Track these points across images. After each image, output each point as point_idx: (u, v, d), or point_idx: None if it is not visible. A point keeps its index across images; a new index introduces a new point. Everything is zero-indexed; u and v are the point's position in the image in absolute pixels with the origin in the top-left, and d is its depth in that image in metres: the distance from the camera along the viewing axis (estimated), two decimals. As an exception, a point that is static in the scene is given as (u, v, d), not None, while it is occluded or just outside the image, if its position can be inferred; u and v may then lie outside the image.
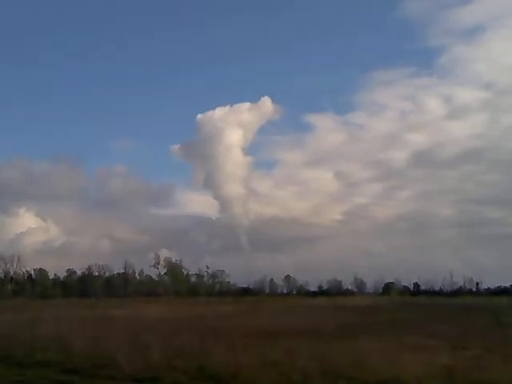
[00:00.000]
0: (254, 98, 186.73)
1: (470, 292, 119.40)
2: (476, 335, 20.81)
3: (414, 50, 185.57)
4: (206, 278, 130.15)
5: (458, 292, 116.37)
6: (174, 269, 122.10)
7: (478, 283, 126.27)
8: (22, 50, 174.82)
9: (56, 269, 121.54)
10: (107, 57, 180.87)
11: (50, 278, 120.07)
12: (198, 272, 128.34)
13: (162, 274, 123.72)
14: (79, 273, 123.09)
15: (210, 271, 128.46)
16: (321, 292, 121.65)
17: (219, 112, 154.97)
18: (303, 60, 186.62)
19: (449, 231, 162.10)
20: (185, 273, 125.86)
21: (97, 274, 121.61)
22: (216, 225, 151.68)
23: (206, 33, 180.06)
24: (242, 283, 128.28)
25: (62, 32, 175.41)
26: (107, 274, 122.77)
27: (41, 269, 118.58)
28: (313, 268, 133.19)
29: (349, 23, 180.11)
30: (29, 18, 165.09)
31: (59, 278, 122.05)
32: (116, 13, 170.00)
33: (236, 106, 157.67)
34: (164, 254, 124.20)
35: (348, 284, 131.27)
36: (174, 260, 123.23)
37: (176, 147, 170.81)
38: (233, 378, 13.23)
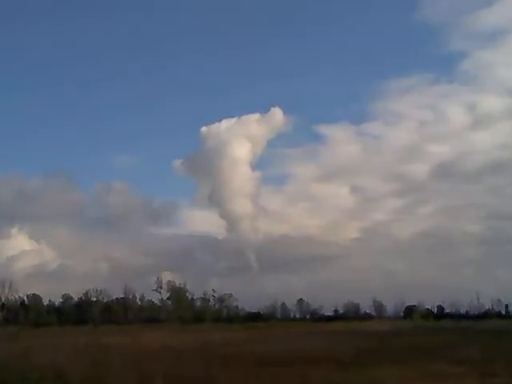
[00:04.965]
0: (264, 109, 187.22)
1: (499, 315, 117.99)
2: (505, 361, 20.66)
3: (434, 55, 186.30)
4: (212, 303, 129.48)
5: (486, 315, 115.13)
6: (177, 293, 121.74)
7: (506, 305, 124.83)
8: (14, 62, 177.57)
9: (51, 294, 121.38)
10: (106, 68, 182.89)
11: (45, 304, 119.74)
12: (203, 296, 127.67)
13: (165, 298, 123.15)
14: (76, 298, 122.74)
15: (216, 295, 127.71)
16: (337, 316, 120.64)
17: (225, 124, 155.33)
18: (315, 68, 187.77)
19: (475, 249, 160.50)
20: (189, 297, 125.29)
21: (94, 299, 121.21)
22: (222, 245, 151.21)
23: (211, 41, 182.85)
24: (251, 308, 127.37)
25: (61, 45, 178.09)
26: (106, 300, 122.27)
27: (34, 294, 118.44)
28: (328, 291, 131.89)
29: (364, 27, 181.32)
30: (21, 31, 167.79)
31: (54, 303, 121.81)
32: (115, 27, 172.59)
33: (244, 118, 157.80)
34: (167, 276, 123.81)
35: (366, 307, 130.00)
36: (177, 283, 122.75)
37: (179, 162, 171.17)
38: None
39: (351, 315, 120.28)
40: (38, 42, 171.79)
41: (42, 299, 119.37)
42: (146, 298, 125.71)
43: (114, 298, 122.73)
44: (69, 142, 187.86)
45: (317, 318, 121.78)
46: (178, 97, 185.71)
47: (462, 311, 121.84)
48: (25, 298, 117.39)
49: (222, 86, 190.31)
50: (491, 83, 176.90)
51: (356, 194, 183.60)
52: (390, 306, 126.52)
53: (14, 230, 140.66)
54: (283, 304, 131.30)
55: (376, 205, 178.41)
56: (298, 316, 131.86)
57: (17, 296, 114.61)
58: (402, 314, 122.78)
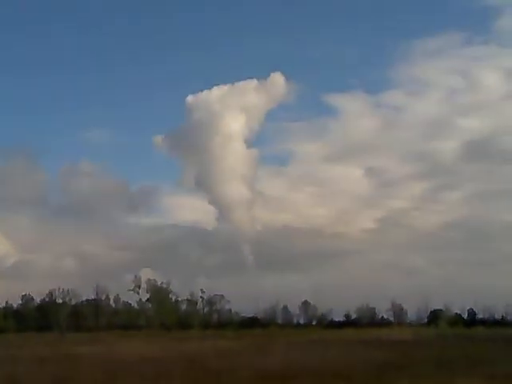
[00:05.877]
0: (262, 74, 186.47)
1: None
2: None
3: (466, 11, 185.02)
4: (200, 306, 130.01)
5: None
6: (159, 294, 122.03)
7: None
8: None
9: (8, 295, 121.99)
10: (74, 27, 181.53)
11: (1, 306, 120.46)
12: (189, 298, 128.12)
13: (144, 300, 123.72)
14: (38, 300, 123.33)
15: (205, 296, 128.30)
16: (348, 322, 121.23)
17: (216, 92, 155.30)
18: (324, 25, 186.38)
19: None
20: (173, 299, 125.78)
21: (60, 301, 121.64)
22: (212, 237, 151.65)
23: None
24: (246, 312, 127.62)
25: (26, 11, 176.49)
26: (74, 302, 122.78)
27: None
28: (338, 292, 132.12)
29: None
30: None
31: (12, 306, 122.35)
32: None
33: (238, 85, 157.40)
34: (146, 274, 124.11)
35: (383, 312, 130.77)
36: (159, 282, 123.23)
37: (160, 138, 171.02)
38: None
39: (366, 321, 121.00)
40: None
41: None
42: (122, 300, 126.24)
43: (83, 299, 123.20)
44: (31, 113, 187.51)
45: (325, 324, 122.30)
46: (159, 60, 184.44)
47: (498, 317, 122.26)
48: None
49: (212, 46, 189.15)
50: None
51: (372, 177, 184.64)
52: (412, 310, 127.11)
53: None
54: (285, 307, 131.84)
55: (395, 190, 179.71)
56: (302, 322, 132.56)
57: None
58: (425, 319, 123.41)
